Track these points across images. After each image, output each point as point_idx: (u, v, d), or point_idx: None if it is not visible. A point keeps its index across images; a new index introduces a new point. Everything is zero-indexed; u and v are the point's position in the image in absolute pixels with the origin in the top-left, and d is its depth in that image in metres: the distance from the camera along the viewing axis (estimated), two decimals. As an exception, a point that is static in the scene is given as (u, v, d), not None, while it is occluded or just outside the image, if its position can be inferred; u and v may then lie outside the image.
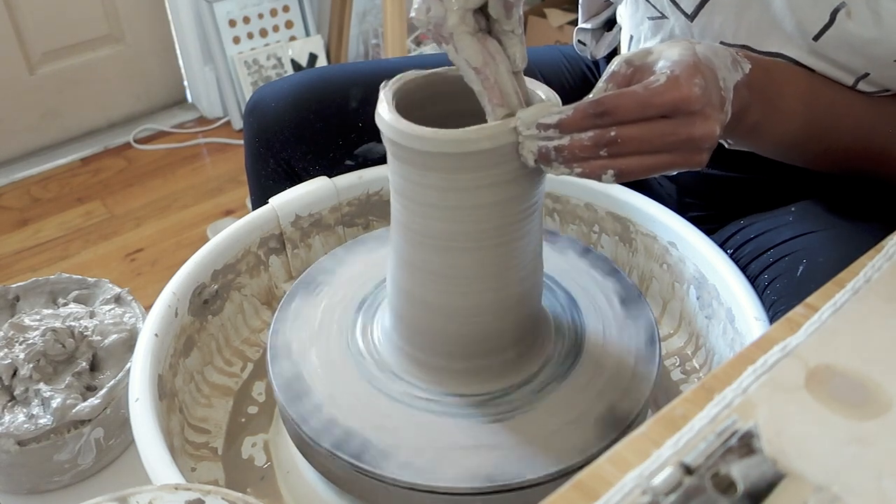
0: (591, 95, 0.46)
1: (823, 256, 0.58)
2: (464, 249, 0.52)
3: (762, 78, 0.53)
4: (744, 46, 0.57)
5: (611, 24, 0.82)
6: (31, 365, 0.75)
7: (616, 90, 0.45)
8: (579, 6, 0.82)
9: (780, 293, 0.61)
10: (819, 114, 0.58)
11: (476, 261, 0.52)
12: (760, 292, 0.63)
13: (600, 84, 0.48)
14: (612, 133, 0.44)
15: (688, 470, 0.28)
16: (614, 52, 0.83)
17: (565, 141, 0.45)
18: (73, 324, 0.80)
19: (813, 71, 0.60)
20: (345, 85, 0.78)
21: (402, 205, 0.53)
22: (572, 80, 0.85)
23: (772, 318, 0.61)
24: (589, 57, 0.85)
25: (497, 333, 0.56)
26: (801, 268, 0.59)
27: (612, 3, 0.79)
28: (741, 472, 0.28)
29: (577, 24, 0.83)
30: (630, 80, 0.47)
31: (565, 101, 0.70)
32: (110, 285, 0.87)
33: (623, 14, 0.76)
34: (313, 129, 0.78)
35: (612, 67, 0.48)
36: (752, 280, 0.65)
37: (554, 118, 0.45)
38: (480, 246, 0.52)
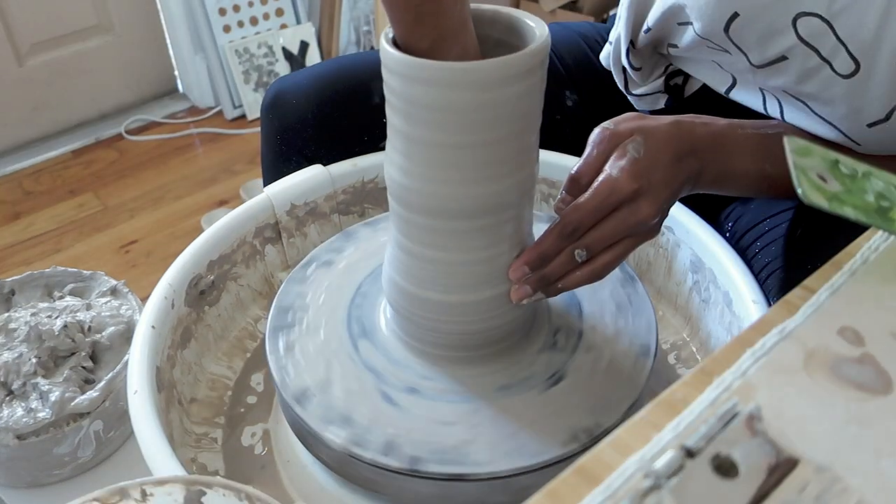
0: (573, 171, 0.53)
1: (824, 218, 0.59)
2: (457, 216, 0.51)
3: (712, 143, 0.57)
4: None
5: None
6: (34, 360, 0.75)
7: (571, 205, 0.51)
8: (627, 71, 0.74)
9: (774, 254, 0.62)
10: (774, 168, 0.58)
11: (468, 235, 0.52)
12: (751, 257, 0.63)
13: (587, 152, 0.53)
14: (584, 240, 0.51)
15: (689, 453, 0.28)
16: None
17: (548, 268, 0.52)
18: (68, 318, 0.80)
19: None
20: (365, 78, 0.77)
21: (403, 118, 0.50)
22: (571, 59, 0.84)
23: (765, 280, 0.61)
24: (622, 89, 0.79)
25: (494, 316, 0.56)
26: (799, 231, 0.59)
27: (669, 63, 0.73)
28: (742, 454, 0.28)
29: (570, 9, 0.82)
30: (610, 147, 0.53)
31: (564, 79, 0.68)
32: (106, 278, 0.87)
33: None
34: (338, 126, 0.77)
35: (593, 137, 0.54)
36: (745, 249, 0.65)
37: (534, 254, 0.52)
38: (475, 219, 0.51)
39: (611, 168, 0.51)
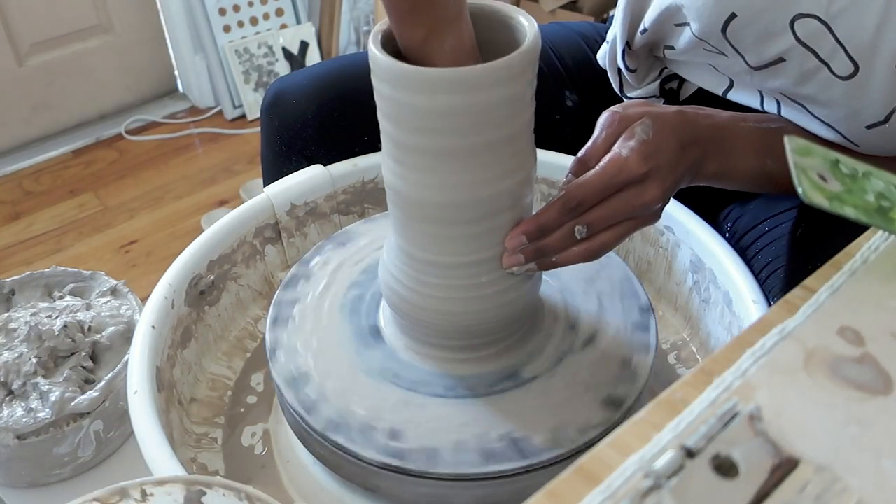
0: (581, 153, 0.53)
1: (824, 218, 0.59)
2: (456, 223, 0.51)
3: (714, 135, 0.57)
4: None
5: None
6: (34, 360, 0.75)
7: (576, 181, 0.50)
8: (622, 73, 0.74)
9: (775, 254, 0.62)
10: (775, 164, 0.59)
11: (467, 239, 0.52)
12: (752, 257, 0.63)
13: (596, 135, 0.53)
14: (586, 216, 0.51)
15: (689, 453, 0.28)
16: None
17: (545, 241, 0.51)
18: (68, 318, 0.80)
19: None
20: (366, 78, 0.76)
21: (394, 156, 0.50)
22: (571, 59, 0.83)
23: (765, 280, 0.62)
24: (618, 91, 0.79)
25: (493, 318, 0.56)
26: (799, 231, 0.59)
27: (665, 67, 0.73)
28: (742, 454, 0.28)
29: (570, 9, 0.82)
30: (618, 131, 0.53)
31: (564, 79, 0.67)
32: (106, 278, 0.87)
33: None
34: (338, 125, 0.77)
35: (602, 120, 0.54)
36: (745, 249, 0.65)
37: (534, 224, 0.51)
38: (473, 222, 0.51)
39: (620, 148, 0.51)
